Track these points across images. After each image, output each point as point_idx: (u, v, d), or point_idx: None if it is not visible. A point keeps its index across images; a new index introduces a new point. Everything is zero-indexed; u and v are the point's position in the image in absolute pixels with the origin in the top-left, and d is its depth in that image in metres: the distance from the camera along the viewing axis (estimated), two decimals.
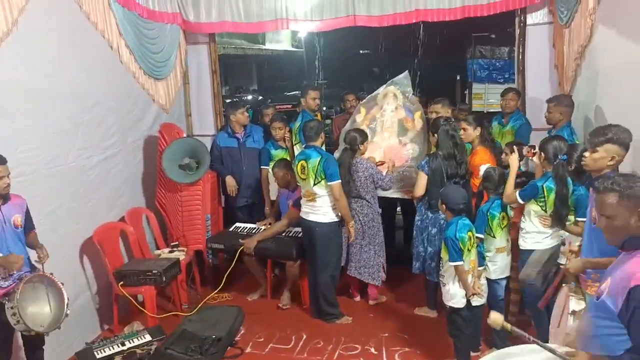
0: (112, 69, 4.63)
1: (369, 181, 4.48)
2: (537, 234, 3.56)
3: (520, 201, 3.55)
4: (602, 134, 2.82)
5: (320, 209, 4.33)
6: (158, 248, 4.92)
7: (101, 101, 4.45)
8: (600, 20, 4.03)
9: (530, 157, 3.84)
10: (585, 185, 3.40)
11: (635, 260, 1.89)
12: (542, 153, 3.55)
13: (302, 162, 4.33)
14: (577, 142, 4.13)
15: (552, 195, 3.44)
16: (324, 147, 4.47)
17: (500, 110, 5.52)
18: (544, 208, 3.50)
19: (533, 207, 3.55)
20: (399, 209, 5.89)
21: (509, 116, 5.14)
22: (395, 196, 4.99)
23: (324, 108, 8.90)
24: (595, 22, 4.09)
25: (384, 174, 4.56)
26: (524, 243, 3.63)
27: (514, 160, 3.79)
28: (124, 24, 4.68)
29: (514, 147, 3.95)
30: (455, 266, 3.46)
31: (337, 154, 5.03)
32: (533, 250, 3.55)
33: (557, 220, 3.46)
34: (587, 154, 2.89)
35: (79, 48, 4.19)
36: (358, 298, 4.89)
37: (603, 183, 2.03)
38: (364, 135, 4.55)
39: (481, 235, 3.71)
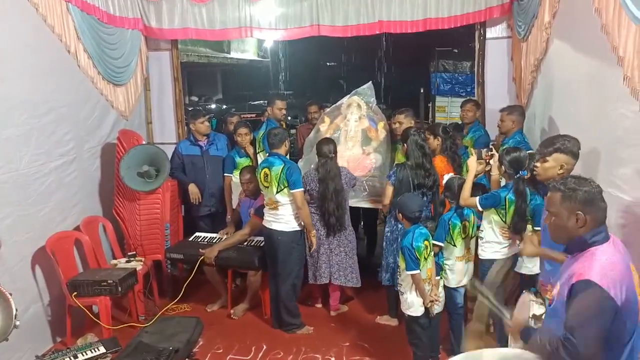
0: (70, 74, 4.52)
1: (348, 186, 4.54)
2: (496, 244, 3.61)
3: (480, 208, 3.60)
4: (550, 144, 2.93)
5: (282, 217, 4.30)
6: (115, 258, 4.79)
7: (57, 106, 4.32)
8: (555, 34, 4.16)
9: (488, 160, 3.90)
10: (541, 194, 3.48)
11: (578, 261, 1.98)
12: (501, 165, 3.60)
13: (265, 169, 4.29)
14: (530, 147, 4.26)
15: (513, 208, 3.50)
16: (288, 156, 4.45)
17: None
18: (503, 219, 3.56)
19: (493, 217, 3.60)
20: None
21: (468, 127, 5.24)
22: (360, 205, 5.01)
23: (289, 118, 8.91)
24: (551, 35, 4.22)
25: None
26: (483, 253, 3.68)
27: (472, 162, 3.83)
28: (83, 27, 4.59)
29: (472, 150, 4.02)
30: (412, 275, 3.46)
31: (301, 163, 5.03)
32: (492, 259, 3.60)
33: (516, 233, 3.52)
34: (538, 164, 2.99)
35: (35, 51, 4.07)
36: (320, 305, 4.87)
37: (554, 182, 2.12)
38: (334, 143, 4.59)
39: (441, 244, 3.74)
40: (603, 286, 1.83)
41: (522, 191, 3.47)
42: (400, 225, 4.27)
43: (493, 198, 3.57)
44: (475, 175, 3.91)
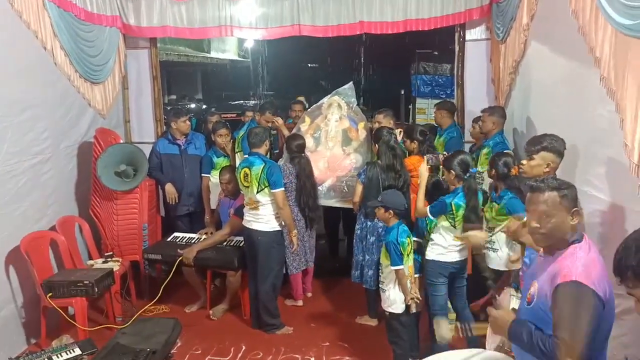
0: (46, 71, 4.44)
1: None
2: (442, 248, 3.63)
3: (431, 217, 3.63)
4: (538, 143, 2.98)
5: (263, 217, 4.27)
6: (91, 258, 4.71)
7: (33, 104, 4.24)
8: (533, 36, 4.21)
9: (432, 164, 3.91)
10: (514, 190, 3.49)
11: (559, 260, 1.97)
12: (451, 170, 3.59)
13: (245, 169, 4.26)
14: (509, 148, 4.31)
15: (461, 212, 3.52)
16: (268, 155, 4.43)
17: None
18: (452, 224, 3.58)
19: (442, 223, 3.61)
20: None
21: (444, 129, 5.27)
22: (338, 205, 5.00)
23: None
24: (529, 37, 4.27)
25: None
26: (430, 253, 3.69)
27: (422, 169, 3.83)
28: (59, 24, 4.51)
29: (424, 156, 4.03)
30: (396, 270, 3.47)
31: (281, 162, 5.01)
32: (437, 261, 3.62)
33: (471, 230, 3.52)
34: (524, 161, 3.05)
35: (10, 48, 3.99)
36: (301, 302, 4.88)
37: (540, 183, 2.06)
38: (304, 140, 4.74)
39: (420, 240, 3.78)
40: (590, 285, 1.84)
41: (475, 188, 3.52)
42: (369, 223, 4.30)
43: (439, 205, 3.60)
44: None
